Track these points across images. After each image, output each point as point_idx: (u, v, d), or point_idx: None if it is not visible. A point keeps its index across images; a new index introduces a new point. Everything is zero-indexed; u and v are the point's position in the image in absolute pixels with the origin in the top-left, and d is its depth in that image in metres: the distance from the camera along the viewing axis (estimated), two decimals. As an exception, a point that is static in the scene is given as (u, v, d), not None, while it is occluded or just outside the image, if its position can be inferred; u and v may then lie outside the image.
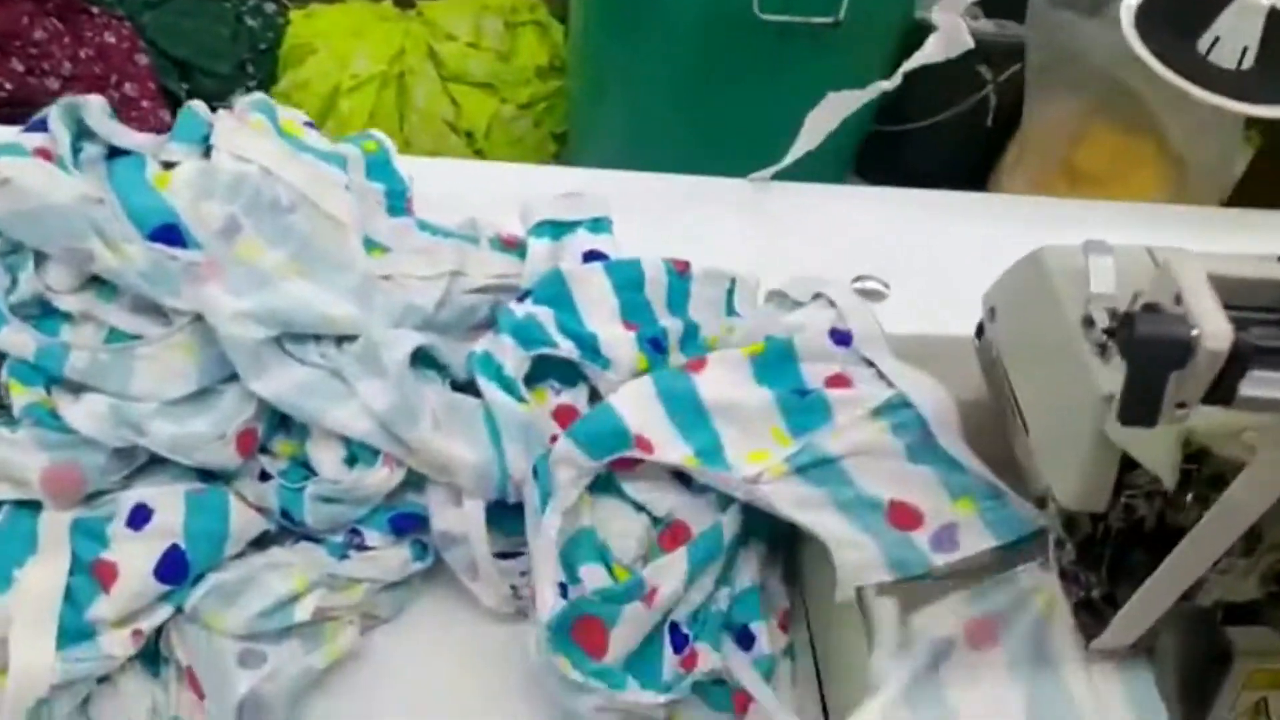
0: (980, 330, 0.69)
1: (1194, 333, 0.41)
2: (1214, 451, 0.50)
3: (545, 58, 2.12)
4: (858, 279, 0.91)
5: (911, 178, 2.39)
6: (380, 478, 0.66)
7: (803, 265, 0.86)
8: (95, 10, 1.86)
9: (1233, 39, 0.86)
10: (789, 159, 0.97)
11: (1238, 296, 0.42)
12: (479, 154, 2.10)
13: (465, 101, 2.06)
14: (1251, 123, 1.95)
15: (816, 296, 0.72)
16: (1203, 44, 0.86)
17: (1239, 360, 0.41)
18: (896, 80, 0.95)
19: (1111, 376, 0.55)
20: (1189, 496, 0.56)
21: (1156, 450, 0.50)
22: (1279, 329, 0.42)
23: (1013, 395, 0.63)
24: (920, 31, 1.98)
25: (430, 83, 2.07)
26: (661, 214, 0.92)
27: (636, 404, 0.68)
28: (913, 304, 0.87)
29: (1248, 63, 0.87)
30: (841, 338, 0.71)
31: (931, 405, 0.66)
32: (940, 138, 2.10)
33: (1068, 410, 0.57)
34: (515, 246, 0.78)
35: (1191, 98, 0.86)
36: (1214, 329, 0.40)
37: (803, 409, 0.68)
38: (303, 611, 0.63)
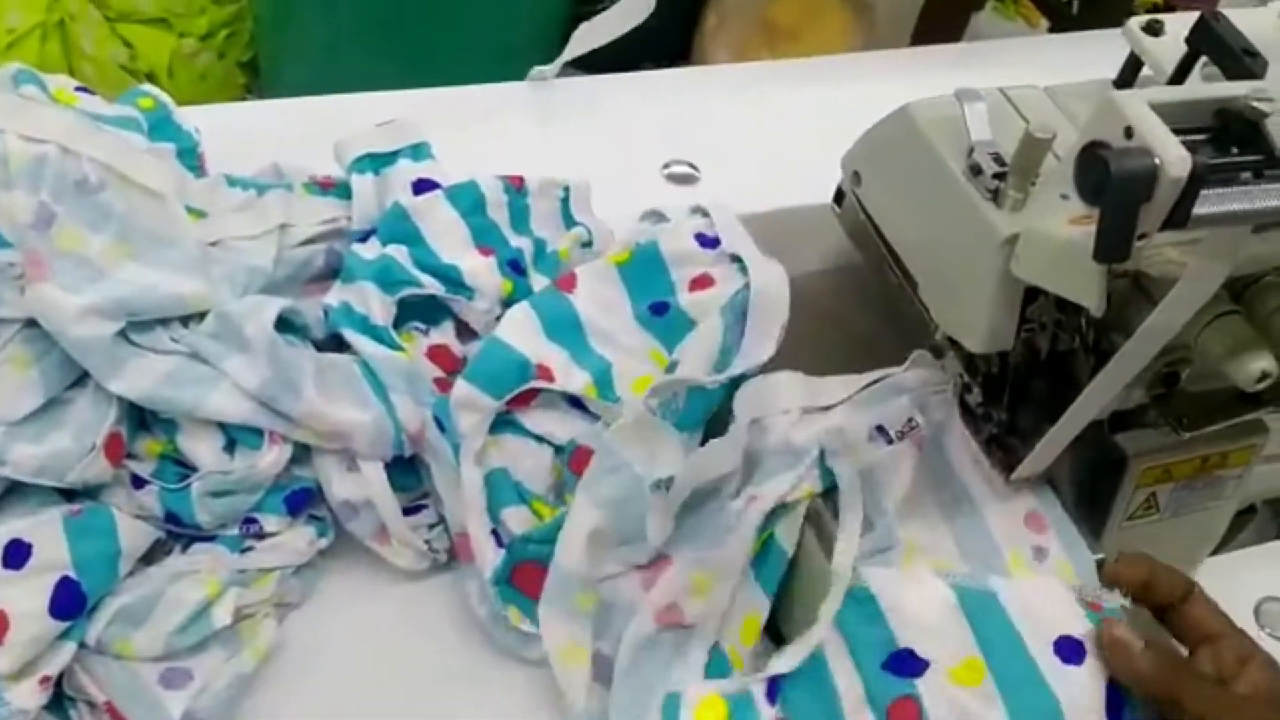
0: (839, 196, 0.69)
1: (1156, 162, 0.42)
2: (1144, 272, 0.52)
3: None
4: (666, 165, 0.90)
5: (619, 54, 2.38)
6: (271, 459, 0.61)
7: (604, 161, 0.84)
8: None
9: None
10: (566, 57, 0.95)
11: (1172, 122, 0.44)
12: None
13: (139, 41, 1.90)
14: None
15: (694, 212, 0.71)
16: None
17: (1196, 182, 0.43)
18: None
19: (1007, 220, 0.56)
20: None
21: (1081, 282, 0.52)
22: (1213, 147, 0.44)
23: (890, 254, 0.65)
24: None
25: (96, 26, 1.90)
26: (445, 130, 0.87)
27: (523, 334, 0.65)
28: (729, 184, 0.87)
29: None
30: (707, 241, 0.70)
31: (758, 290, 0.66)
32: (637, 13, 2.10)
33: (964, 259, 0.59)
34: (333, 187, 0.73)
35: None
36: (1174, 156, 0.42)
37: (669, 327, 0.68)
38: (221, 617, 0.58)
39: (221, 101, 2.12)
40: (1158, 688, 0.53)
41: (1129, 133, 0.43)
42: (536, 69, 0.95)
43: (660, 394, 0.62)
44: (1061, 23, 2.16)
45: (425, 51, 1.74)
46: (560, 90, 0.97)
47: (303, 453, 0.64)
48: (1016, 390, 0.63)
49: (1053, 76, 0.65)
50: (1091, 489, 0.66)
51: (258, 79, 2.02)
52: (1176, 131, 0.44)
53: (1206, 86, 0.46)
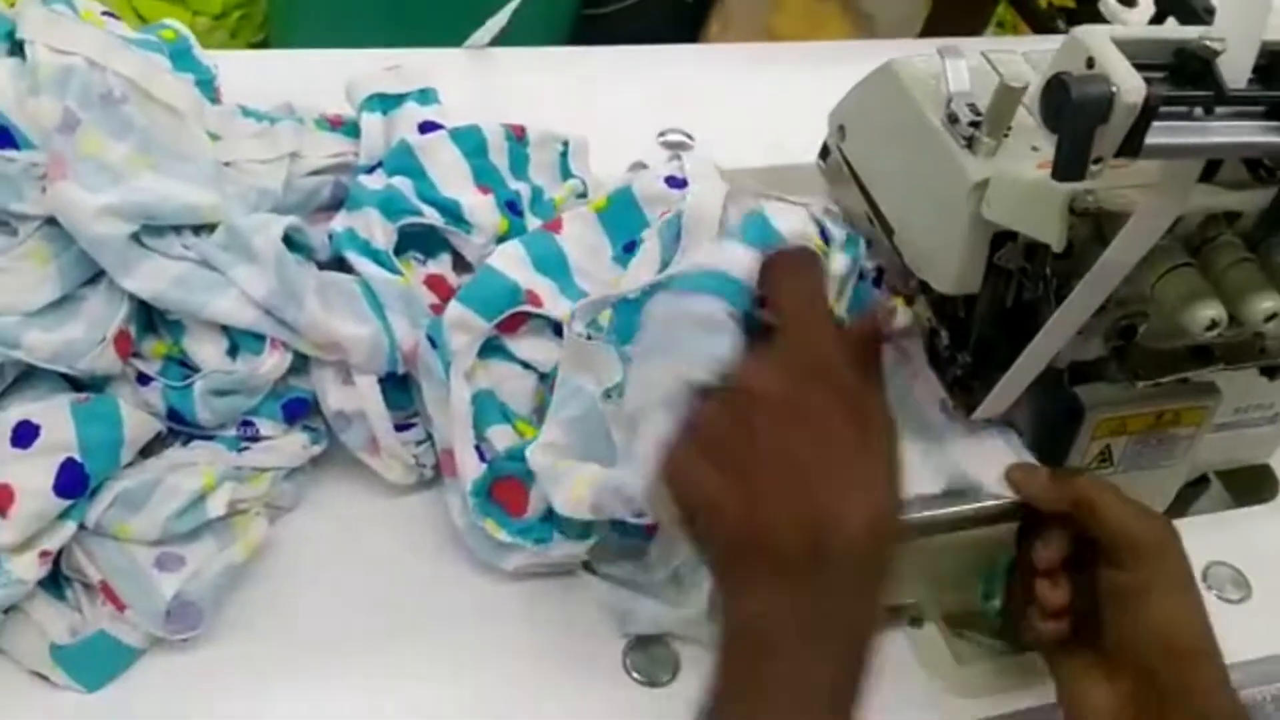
0: (824, 152, 0.73)
1: (1113, 89, 0.45)
2: (1103, 207, 0.55)
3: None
4: (663, 133, 0.94)
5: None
6: (272, 363, 0.64)
7: (604, 127, 0.88)
8: None
9: None
10: (497, 23, 0.97)
11: (1132, 57, 0.47)
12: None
13: (152, 15, 1.93)
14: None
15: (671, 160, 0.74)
16: None
17: (1149, 111, 0.46)
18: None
19: (980, 165, 0.60)
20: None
21: (1044, 219, 0.55)
22: (1169, 84, 0.48)
23: (870, 203, 0.68)
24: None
25: None
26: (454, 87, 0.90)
27: (515, 264, 0.69)
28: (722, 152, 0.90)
29: None
30: (676, 182, 0.73)
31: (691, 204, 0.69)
32: (644, 15, 2.15)
33: (939, 204, 0.62)
34: (341, 125, 0.77)
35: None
36: (1131, 85, 0.45)
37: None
38: (215, 507, 0.61)
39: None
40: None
41: (1090, 63, 0.47)
42: (473, 35, 0.97)
43: (582, 316, 0.65)
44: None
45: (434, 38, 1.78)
46: (568, 59, 1.00)
47: (301, 364, 0.67)
48: (982, 334, 0.66)
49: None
50: (1051, 438, 0.69)
51: (267, 61, 2.06)
52: (1136, 66, 0.48)
53: (1164, 28, 0.50)
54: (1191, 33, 0.48)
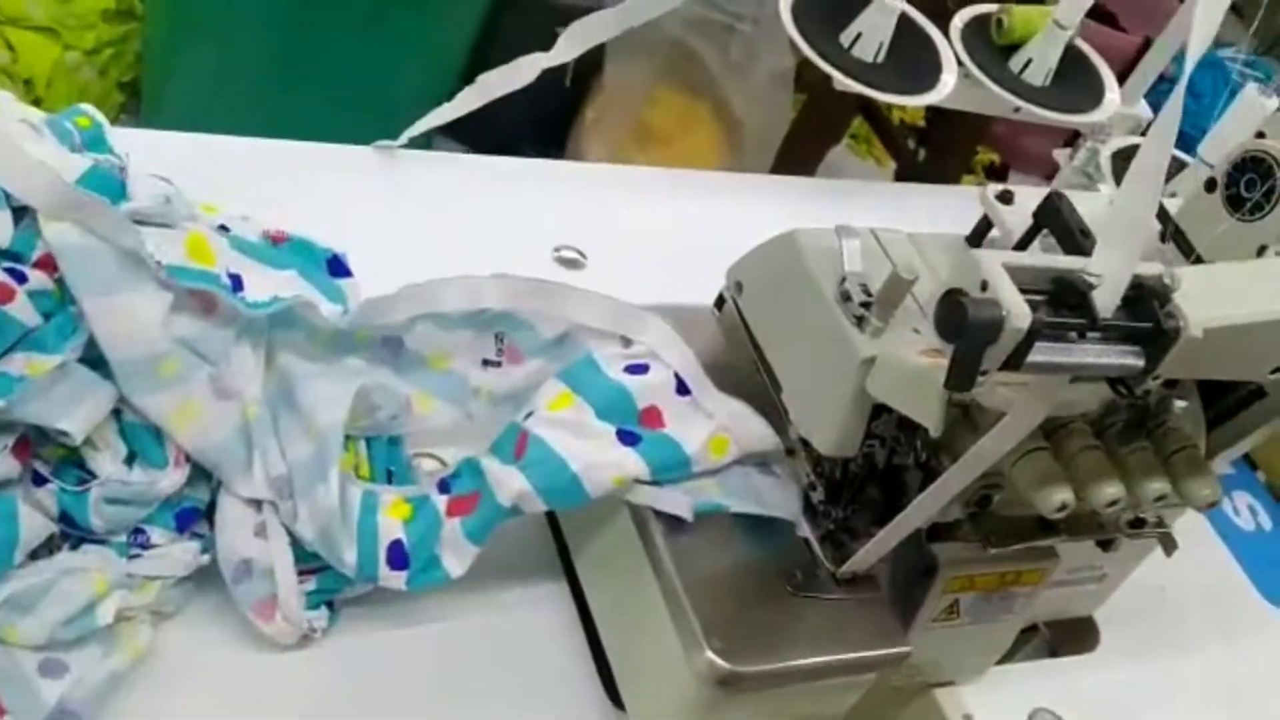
0: (720, 301, 0.77)
1: (1004, 314, 0.51)
2: (977, 404, 0.61)
3: (114, 1, 1.98)
4: (557, 249, 0.97)
5: (492, 138, 2.45)
6: (171, 480, 0.65)
7: (496, 239, 0.91)
8: None
9: (871, 35, 0.99)
10: (420, 128, 1.00)
11: (1019, 281, 0.53)
12: (37, 104, 1.94)
13: (23, 47, 1.90)
14: (797, 89, 2.18)
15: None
16: (845, 38, 0.99)
17: (1033, 335, 0.51)
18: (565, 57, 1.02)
19: (868, 344, 0.65)
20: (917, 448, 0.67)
21: (924, 404, 0.60)
22: (1049, 307, 0.53)
23: (761, 358, 0.73)
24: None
25: (-24, 27, 1.88)
26: (287, 186, 0.90)
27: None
28: (614, 276, 0.94)
29: (881, 56, 1.01)
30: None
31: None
32: (520, 99, 2.18)
33: (826, 373, 0.67)
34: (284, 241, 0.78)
35: (836, 82, 0.99)
36: (1020, 311, 0.51)
37: None
38: (105, 615, 0.62)
39: (95, 118, 2.10)
40: None
41: (984, 286, 0.52)
42: (379, 141, 0.99)
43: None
44: (908, 166, 2.33)
45: (313, 101, 1.78)
46: (447, 164, 1.03)
47: (196, 472, 0.67)
48: (854, 494, 0.71)
49: (902, 219, 0.75)
50: (906, 589, 0.74)
51: (137, 101, 2.03)
52: (1021, 290, 0.53)
53: (1049, 257, 0.56)
54: (1072, 263, 0.54)
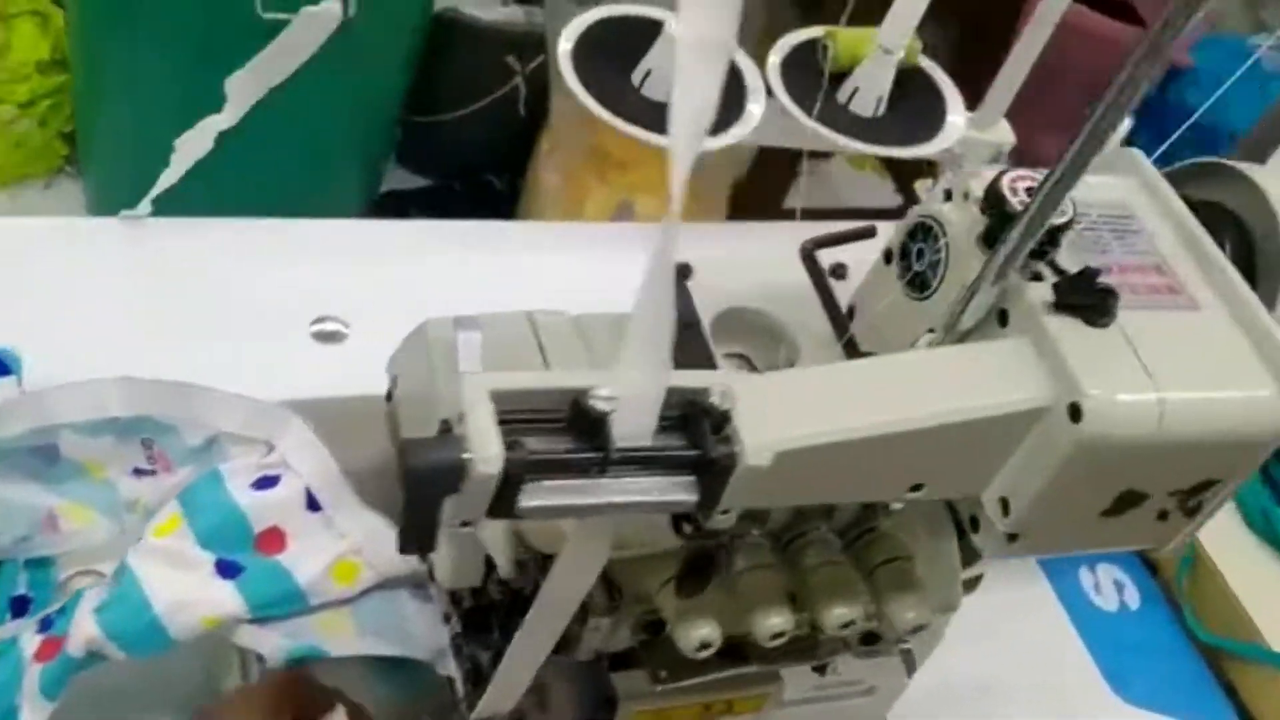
0: (390, 395, 0.68)
1: (466, 456, 0.41)
2: (532, 543, 0.51)
3: (46, 51, 1.96)
4: (317, 320, 0.89)
5: (452, 167, 2.38)
6: None
7: (250, 314, 0.83)
8: None
9: (661, 72, 0.89)
10: (157, 190, 0.92)
11: (524, 404, 0.43)
12: (-27, 158, 1.93)
13: (-48, 101, 1.88)
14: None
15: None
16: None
17: (512, 479, 0.42)
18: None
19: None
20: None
21: (497, 543, 0.51)
22: (562, 435, 0.44)
23: (408, 465, 0.64)
24: (441, 25, 1.95)
25: (-95, 82, 1.87)
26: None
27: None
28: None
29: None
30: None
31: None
32: (476, 128, 2.11)
33: (442, 488, 0.57)
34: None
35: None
36: (485, 454, 0.41)
37: None
38: None
39: (38, 170, 2.10)
40: None
41: (461, 419, 0.43)
42: (126, 212, 0.92)
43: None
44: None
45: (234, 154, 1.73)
46: (233, 231, 0.95)
47: None
48: (504, 624, 0.61)
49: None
50: (590, 724, 0.65)
51: (75, 149, 2.00)
52: (536, 416, 0.44)
53: (560, 375, 0.46)
54: (585, 380, 0.44)
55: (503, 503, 0.43)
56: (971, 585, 0.73)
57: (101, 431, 0.68)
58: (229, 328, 0.82)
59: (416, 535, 0.42)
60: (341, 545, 0.62)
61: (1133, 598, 0.91)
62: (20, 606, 0.66)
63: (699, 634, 0.55)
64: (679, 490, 0.45)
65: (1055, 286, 0.49)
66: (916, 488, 0.51)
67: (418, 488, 0.41)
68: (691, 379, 0.45)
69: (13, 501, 0.66)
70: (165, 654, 0.59)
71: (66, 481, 0.69)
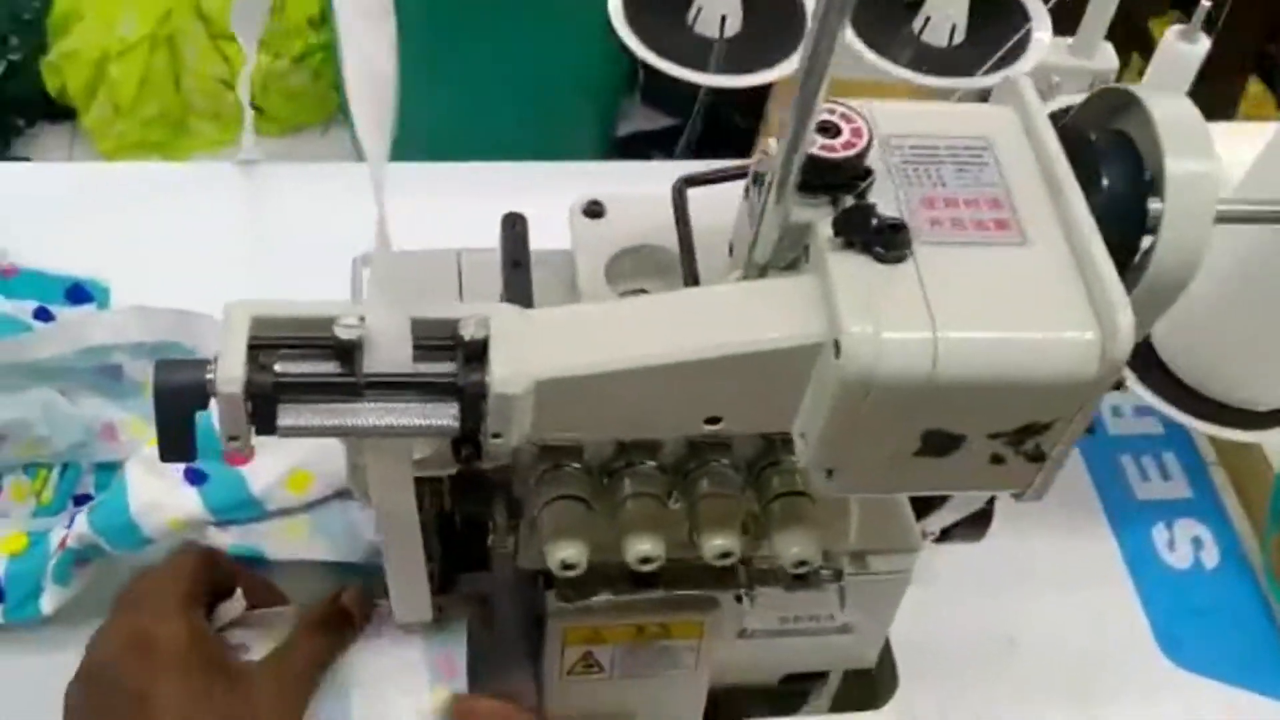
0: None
1: (209, 377, 0.46)
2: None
3: (317, 7, 2.13)
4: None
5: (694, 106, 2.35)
6: None
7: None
8: None
9: (941, 18, 0.90)
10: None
11: (288, 331, 0.47)
12: (258, 110, 2.13)
13: (237, 58, 2.08)
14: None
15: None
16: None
17: (261, 398, 0.46)
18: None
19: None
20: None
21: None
22: (326, 361, 0.47)
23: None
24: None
25: (199, 41, 2.09)
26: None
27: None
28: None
29: (733, 30, 0.92)
30: None
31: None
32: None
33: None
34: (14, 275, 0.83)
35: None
36: (227, 375, 0.46)
37: None
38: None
39: (314, 118, 2.28)
40: None
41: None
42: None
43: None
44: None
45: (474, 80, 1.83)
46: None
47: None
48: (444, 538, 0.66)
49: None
50: (525, 639, 0.69)
51: (347, 100, 2.17)
52: (304, 342, 0.48)
53: (321, 305, 0.49)
54: (337, 310, 0.47)
55: (263, 421, 0.47)
56: (945, 536, 0.72)
57: (141, 355, 0.77)
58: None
59: (173, 446, 0.47)
60: (295, 457, 0.68)
61: (1211, 556, 0.85)
62: (81, 503, 0.77)
63: (561, 555, 0.57)
64: (439, 416, 0.48)
65: (833, 222, 0.48)
66: (713, 420, 0.51)
67: (165, 404, 0.46)
68: (444, 310, 0.48)
69: (70, 412, 0.77)
70: (149, 551, 0.68)
71: (128, 398, 0.79)
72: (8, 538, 0.71)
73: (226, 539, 0.67)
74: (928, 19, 0.92)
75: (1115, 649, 0.81)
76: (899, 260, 0.48)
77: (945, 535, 0.74)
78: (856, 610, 0.72)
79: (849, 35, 0.91)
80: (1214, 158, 0.52)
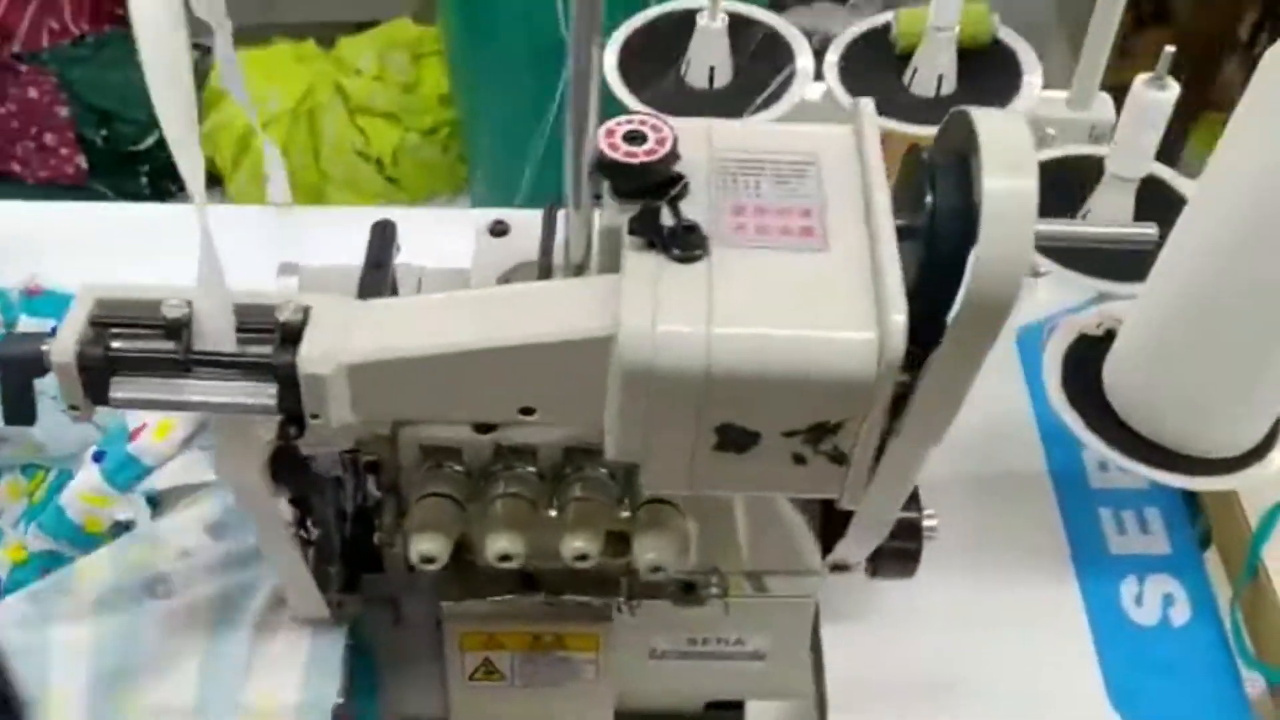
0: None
1: (44, 349, 0.51)
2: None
3: (448, 86, 2.25)
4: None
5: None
6: None
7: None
8: (22, 68, 2.07)
9: (927, 69, 0.93)
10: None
11: (130, 312, 0.52)
12: (391, 181, 2.25)
13: (371, 131, 2.21)
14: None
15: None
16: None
17: (95, 370, 0.51)
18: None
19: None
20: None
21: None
22: (161, 340, 0.52)
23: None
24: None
25: (338, 115, 2.22)
26: None
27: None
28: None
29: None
30: None
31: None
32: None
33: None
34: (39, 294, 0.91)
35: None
36: (60, 347, 0.51)
37: None
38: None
39: (444, 188, 2.38)
40: None
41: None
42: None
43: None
44: None
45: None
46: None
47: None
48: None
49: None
50: (412, 645, 0.71)
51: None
52: (143, 322, 0.52)
53: (158, 289, 0.53)
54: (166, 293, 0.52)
55: (97, 391, 0.52)
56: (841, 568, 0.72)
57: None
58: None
59: (14, 410, 0.52)
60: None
61: (1181, 614, 0.81)
62: (98, 457, 0.83)
63: (421, 548, 0.60)
64: (260, 395, 0.52)
65: (629, 222, 0.51)
66: (527, 410, 0.54)
67: (6, 372, 0.51)
68: (263, 297, 0.52)
69: (66, 423, 0.83)
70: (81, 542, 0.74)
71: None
72: (12, 545, 0.77)
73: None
74: (915, 70, 0.93)
75: (1061, 699, 0.78)
76: (692, 260, 0.50)
77: (875, 570, 0.73)
78: (764, 635, 0.72)
79: (837, 89, 0.93)
80: (1032, 175, 0.52)
